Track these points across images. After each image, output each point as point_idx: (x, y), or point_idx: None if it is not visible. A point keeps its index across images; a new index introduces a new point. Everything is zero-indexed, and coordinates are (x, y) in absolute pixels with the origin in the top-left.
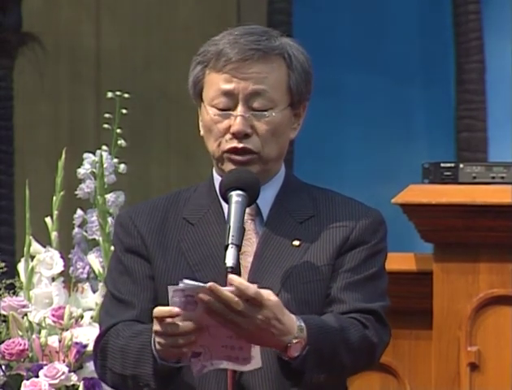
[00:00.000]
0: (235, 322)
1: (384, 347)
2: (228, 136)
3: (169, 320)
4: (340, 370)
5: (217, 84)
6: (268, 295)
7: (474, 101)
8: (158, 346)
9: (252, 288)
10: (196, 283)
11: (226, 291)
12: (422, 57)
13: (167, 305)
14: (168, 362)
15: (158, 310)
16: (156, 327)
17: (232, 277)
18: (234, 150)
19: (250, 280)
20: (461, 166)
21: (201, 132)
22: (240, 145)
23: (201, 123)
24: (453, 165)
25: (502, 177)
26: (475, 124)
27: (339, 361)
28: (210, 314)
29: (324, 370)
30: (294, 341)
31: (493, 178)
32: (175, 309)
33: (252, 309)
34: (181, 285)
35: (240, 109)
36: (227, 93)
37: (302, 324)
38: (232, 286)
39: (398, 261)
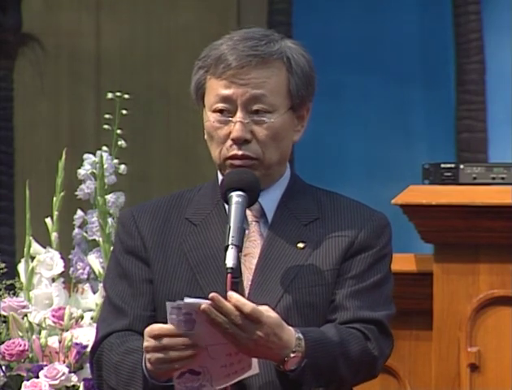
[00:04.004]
0: (234, 335)
1: (385, 360)
2: (229, 142)
3: (165, 339)
4: (338, 382)
5: (216, 89)
6: (267, 312)
7: (474, 101)
8: (148, 364)
9: (248, 306)
10: (196, 300)
11: (227, 303)
12: (422, 57)
13: (165, 306)
14: (159, 381)
15: (151, 328)
16: (146, 343)
17: (230, 294)
18: (235, 158)
19: (255, 281)
20: (461, 166)
21: (205, 136)
22: (240, 152)
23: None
24: (453, 166)
25: (502, 178)
26: (476, 125)
27: (337, 374)
28: (212, 324)
29: (322, 383)
30: (291, 355)
31: (493, 179)
32: (166, 327)
33: (251, 324)
34: (179, 302)
35: (239, 115)
36: (226, 99)
37: (301, 336)
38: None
39: (398, 261)
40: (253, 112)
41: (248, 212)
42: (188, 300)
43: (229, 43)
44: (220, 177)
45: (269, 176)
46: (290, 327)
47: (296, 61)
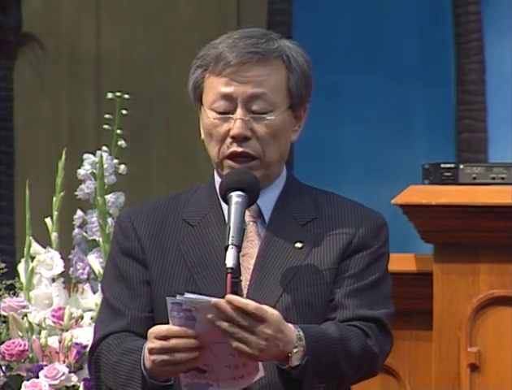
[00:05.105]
0: (243, 340)
1: (385, 357)
2: (228, 140)
3: (173, 340)
4: (339, 379)
5: (216, 87)
6: (270, 309)
7: (474, 101)
8: (150, 364)
9: (251, 305)
10: (196, 296)
11: (230, 308)
12: (422, 57)
13: (164, 308)
14: (158, 381)
15: (157, 330)
16: (151, 344)
17: (229, 297)
18: (234, 155)
19: (253, 281)
20: (461, 166)
21: (202, 136)
22: (240, 149)
23: (201, 127)
24: (453, 166)
25: (502, 178)
26: (475, 125)
27: (339, 370)
28: (219, 332)
29: (324, 380)
30: (295, 351)
31: (493, 179)
32: (174, 328)
33: (257, 324)
34: (179, 298)
35: (239, 112)
36: (227, 97)
37: (301, 333)
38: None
39: (398, 261)
40: (253, 110)
41: (245, 212)
42: (188, 295)
43: (229, 41)
44: (217, 177)
45: (267, 176)
46: (289, 324)
47: (295, 60)
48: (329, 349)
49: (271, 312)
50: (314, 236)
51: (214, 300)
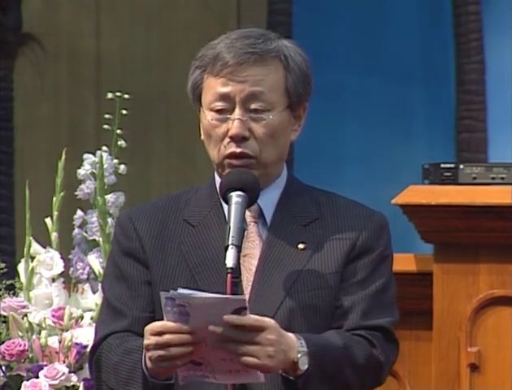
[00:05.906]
0: (250, 353)
1: (390, 365)
2: (227, 140)
3: (167, 336)
4: (345, 388)
5: (214, 88)
6: (267, 318)
7: (474, 101)
8: (149, 362)
9: (249, 318)
10: (189, 291)
11: (225, 329)
12: (422, 57)
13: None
14: (159, 380)
15: (152, 326)
16: (147, 341)
17: (226, 318)
18: (233, 156)
19: (257, 283)
20: (461, 166)
21: (202, 136)
22: (239, 150)
23: (201, 128)
24: (453, 166)
25: (502, 178)
26: (475, 125)
27: (343, 379)
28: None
29: (328, 388)
30: (299, 355)
31: (493, 179)
32: (168, 324)
33: (258, 334)
34: (173, 293)
35: (237, 112)
36: (224, 97)
37: (303, 341)
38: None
39: (398, 261)
40: (251, 110)
41: (246, 213)
42: (181, 290)
43: (226, 42)
44: (217, 177)
45: (266, 176)
46: (289, 333)
47: (293, 59)
48: (332, 357)
49: (269, 319)
50: (317, 237)
51: (210, 327)
